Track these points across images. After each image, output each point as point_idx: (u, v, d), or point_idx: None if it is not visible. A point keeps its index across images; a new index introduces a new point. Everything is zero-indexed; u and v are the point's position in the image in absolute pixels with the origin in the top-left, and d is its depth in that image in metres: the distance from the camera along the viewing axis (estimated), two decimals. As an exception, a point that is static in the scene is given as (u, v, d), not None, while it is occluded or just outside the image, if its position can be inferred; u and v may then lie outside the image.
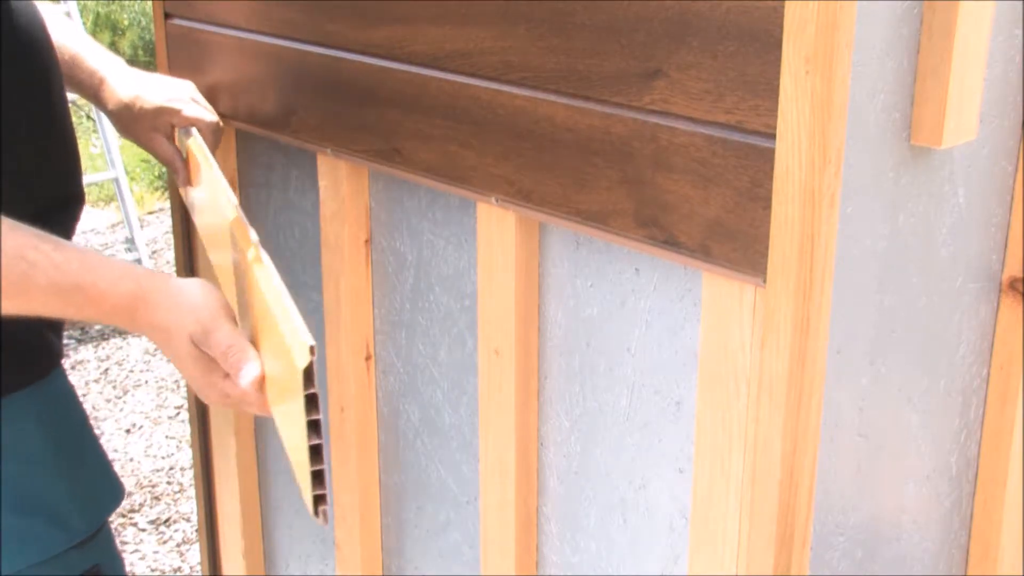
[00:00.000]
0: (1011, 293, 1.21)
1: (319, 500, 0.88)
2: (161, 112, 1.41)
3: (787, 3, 0.91)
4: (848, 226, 1.00)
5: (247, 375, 1.03)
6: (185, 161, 1.43)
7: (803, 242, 0.95)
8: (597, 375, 1.20)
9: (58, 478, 1.19)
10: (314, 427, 0.83)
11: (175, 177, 1.46)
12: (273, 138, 1.46)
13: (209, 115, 1.45)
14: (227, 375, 1.06)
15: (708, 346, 1.05)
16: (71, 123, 1.26)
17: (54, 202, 1.21)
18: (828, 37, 0.90)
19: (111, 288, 1.06)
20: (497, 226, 1.21)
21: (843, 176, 0.96)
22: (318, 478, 0.86)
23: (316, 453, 0.85)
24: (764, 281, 0.98)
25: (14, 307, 1.03)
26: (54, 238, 1.05)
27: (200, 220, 1.38)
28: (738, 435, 1.05)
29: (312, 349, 0.84)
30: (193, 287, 1.09)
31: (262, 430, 1.71)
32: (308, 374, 0.83)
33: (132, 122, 1.42)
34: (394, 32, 1.25)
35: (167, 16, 1.56)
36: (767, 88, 0.94)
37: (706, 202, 1.01)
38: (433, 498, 1.44)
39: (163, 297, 1.08)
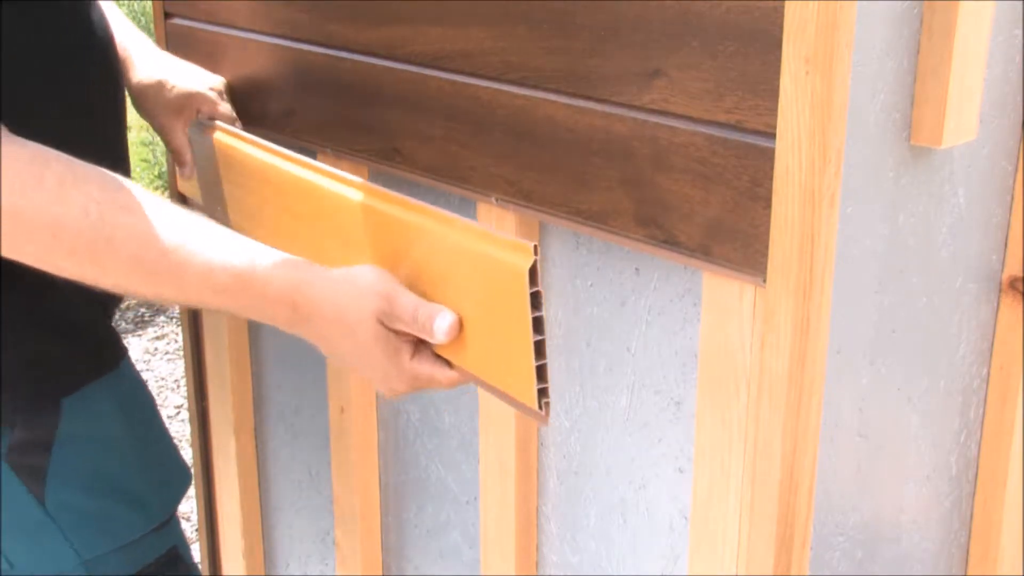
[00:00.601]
0: (1011, 293, 1.21)
1: (542, 393, 0.91)
2: (192, 98, 1.40)
3: (787, 3, 0.91)
4: (848, 226, 1.00)
5: (442, 323, 0.98)
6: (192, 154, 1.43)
7: (803, 242, 0.95)
8: (597, 375, 1.20)
9: (137, 464, 1.21)
10: (537, 324, 0.88)
11: (179, 169, 1.46)
12: (273, 138, 1.46)
13: (232, 113, 1.46)
14: (414, 354, 1.02)
15: (708, 346, 1.05)
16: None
17: None
18: (828, 37, 0.90)
19: (272, 273, 0.99)
20: (497, 226, 1.21)
21: (843, 176, 0.96)
22: (541, 373, 0.90)
23: (539, 348, 0.89)
24: (764, 281, 0.98)
25: (170, 291, 0.98)
26: (205, 221, 1.00)
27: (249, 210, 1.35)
28: (738, 435, 1.05)
29: (536, 248, 0.88)
30: (362, 269, 1.03)
31: (262, 430, 1.71)
32: (533, 272, 0.87)
33: (154, 103, 1.41)
34: (394, 32, 1.25)
35: (167, 16, 1.56)
36: (767, 88, 0.94)
37: (706, 202, 1.01)
38: (433, 498, 1.44)
39: (332, 283, 1.01)
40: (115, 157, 1.19)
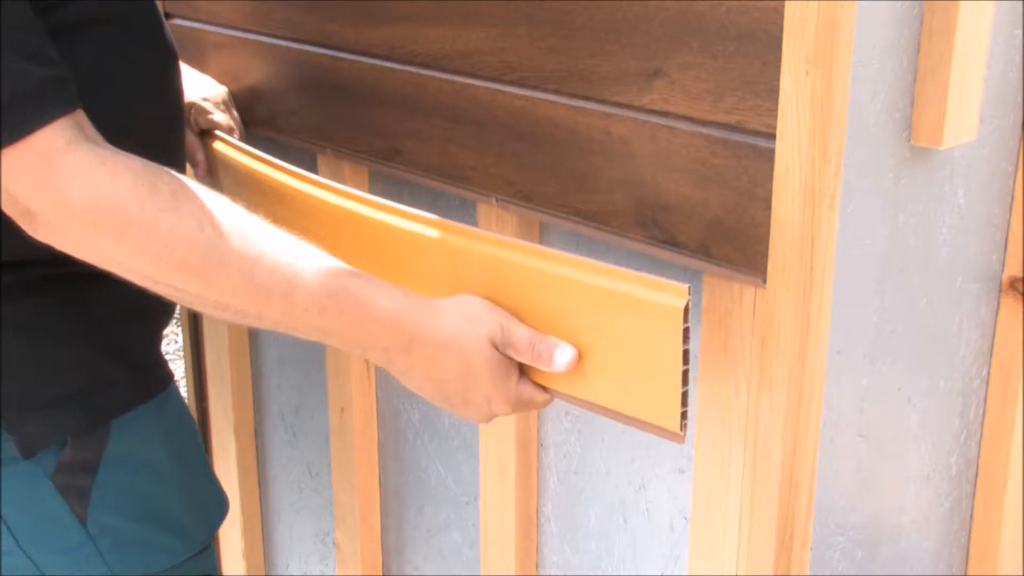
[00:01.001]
0: (1011, 293, 1.21)
1: (683, 416, 0.98)
2: (190, 108, 1.42)
3: (787, 3, 0.91)
4: (848, 226, 1.00)
5: (563, 356, 1.01)
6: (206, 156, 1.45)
7: (803, 242, 0.95)
8: (597, 375, 1.20)
9: (178, 489, 1.22)
10: (685, 356, 0.96)
11: (193, 169, 1.47)
12: (273, 138, 1.46)
13: (232, 124, 1.46)
14: (521, 377, 1.05)
15: (708, 346, 1.05)
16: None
17: None
18: (828, 37, 0.90)
19: (380, 294, 0.99)
20: (497, 226, 1.21)
21: (843, 176, 0.96)
22: (684, 399, 0.98)
23: (685, 377, 0.97)
24: (764, 281, 0.98)
25: (275, 310, 0.97)
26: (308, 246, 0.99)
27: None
28: (738, 435, 1.05)
29: (689, 290, 0.95)
30: (469, 298, 1.05)
31: (262, 430, 1.71)
32: (686, 311, 0.94)
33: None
34: (394, 32, 1.25)
35: (167, 16, 1.56)
36: (767, 88, 0.94)
37: (706, 202, 1.01)
38: (433, 498, 1.44)
39: (444, 309, 1.02)
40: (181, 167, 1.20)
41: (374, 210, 1.17)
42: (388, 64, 1.27)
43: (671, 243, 1.05)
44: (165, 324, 1.23)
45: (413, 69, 1.24)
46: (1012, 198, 1.18)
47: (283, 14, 1.37)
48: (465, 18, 1.17)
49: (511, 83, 1.14)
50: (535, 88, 1.12)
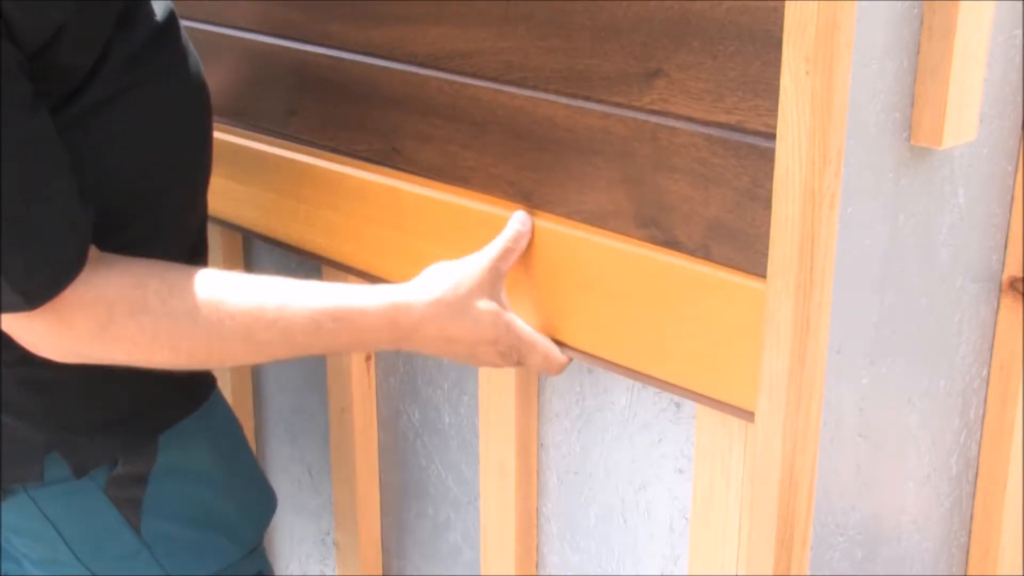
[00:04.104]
0: (1011, 293, 1.21)
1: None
2: None
3: (787, 3, 0.91)
4: (848, 226, 1.00)
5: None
6: None
7: (803, 242, 0.95)
8: (597, 375, 1.20)
9: (228, 492, 1.25)
10: None
11: None
12: (273, 136, 1.46)
13: None
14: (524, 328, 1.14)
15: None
16: None
17: (199, 242, 1.24)
18: (828, 37, 0.90)
19: (366, 300, 1.08)
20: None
21: (843, 176, 0.96)
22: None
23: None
24: (764, 281, 0.98)
25: (282, 352, 1.09)
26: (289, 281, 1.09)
27: None
28: (738, 435, 1.05)
29: None
30: (444, 267, 1.13)
31: (262, 430, 1.71)
32: None
33: None
34: (394, 32, 1.25)
35: (167, 16, 1.56)
36: (767, 88, 0.94)
37: (706, 202, 1.01)
38: (433, 498, 1.44)
39: (422, 280, 1.12)
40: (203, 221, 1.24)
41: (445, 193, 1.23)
42: (388, 64, 1.27)
43: (671, 243, 1.05)
44: None
45: (413, 69, 1.24)
46: (1012, 198, 1.18)
47: (283, 14, 1.37)
48: (465, 18, 1.17)
49: (511, 83, 1.14)
50: (535, 88, 1.12)
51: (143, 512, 1.18)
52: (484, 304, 1.11)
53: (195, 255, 1.21)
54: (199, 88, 1.17)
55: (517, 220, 1.14)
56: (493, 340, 1.11)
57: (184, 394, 1.21)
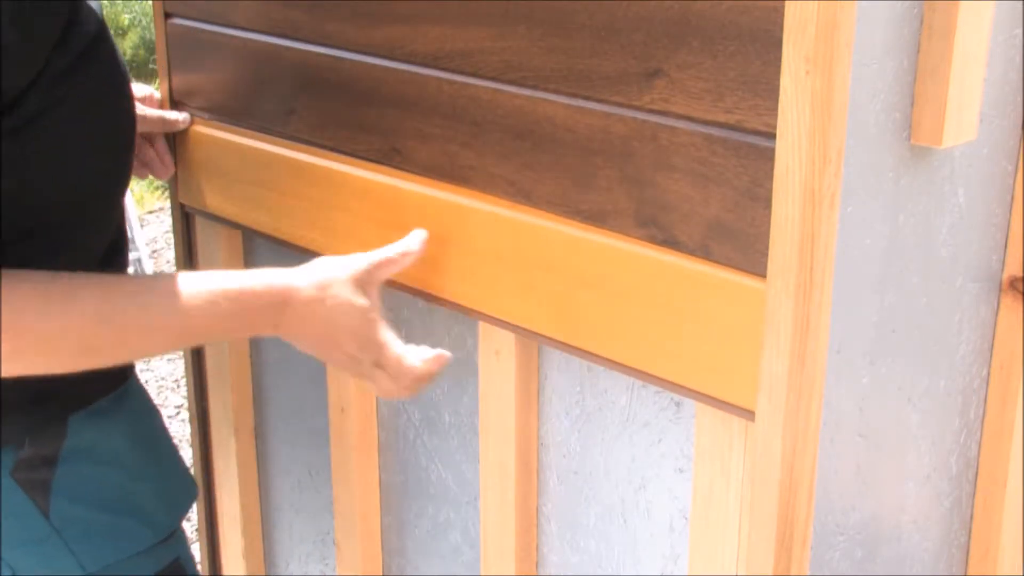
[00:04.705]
0: (1011, 293, 1.21)
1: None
2: (138, 99, 1.48)
3: (787, 3, 0.91)
4: (848, 226, 1.00)
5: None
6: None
7: (803, 242, 0.95)
8: (597, 375, 1.20)
9: (142, 478, 1.24)
10: None
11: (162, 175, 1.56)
12: (273, 135, 1.46)
13: (161, 117, 1.54)
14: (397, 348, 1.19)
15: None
16: None
17: (117, 244, 1.25)
18: (828, 37, 0.90)
19: (254, 283, 1.13)
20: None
21: (843, 176, 0.96)
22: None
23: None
24: (764, 281, 0.98)
25: (186, 340, 1.15)
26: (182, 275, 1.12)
27: None
28: (738, 435, 1.05)
29: None
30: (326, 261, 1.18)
31: (262, 430, 1.71)
32: None
33: None
34: (394, 32, 1.25)
35: (167, 16, 1.56)
36: (767, 88, 0.94)
37: (706, 202, 1.01)
38: (433, 498, 1.44)
39: (299, 272, 1.16)
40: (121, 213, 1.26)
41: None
42: (388, 64, 1.27)
43: (671, 243, 1.05)
44: None
45: (413, 69, 1.24)
46: (1012, 198, 1.18)
47: (283, 14, 1.37)
48: (465, 18, 1.17)
49: (511, 83, 1.14)
50: (535, 88, 1.12)
51: (52, 495, 1.16)
52: (359, 297, 1.17)
53: (114, 251, 1.23)
54: (125, 98, 1.19)
55: (414, 238, 1.24)
56: (353, 333, 1.16)
57: (96, 376, 1.18)
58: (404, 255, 1.23)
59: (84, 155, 1.13)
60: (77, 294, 1.05)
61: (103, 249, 1.20)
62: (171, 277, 1.11)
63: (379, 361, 1.17)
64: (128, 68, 1.21)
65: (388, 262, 1.21)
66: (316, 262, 1.19)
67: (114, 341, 1.07)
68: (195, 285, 1.10)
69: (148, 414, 1.29)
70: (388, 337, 1.17)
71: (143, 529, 1.23)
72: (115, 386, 1.22)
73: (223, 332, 1.18)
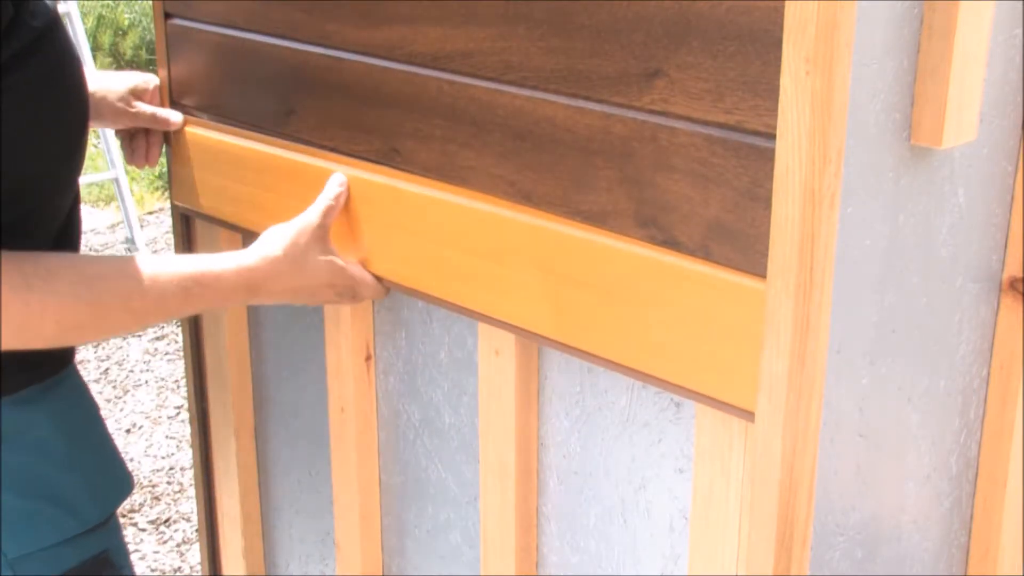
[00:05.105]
0: (1011, 293, 1.21)
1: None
2: (132, 91, 1.53)
3: (787, 3, 0.91)
4: (848, 226, 1.00)
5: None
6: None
7: (803, 242, 0.95)
8: (597, 375, 1.20)
9: (69, 468, 1.25)
10: None
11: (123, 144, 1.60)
12: (273, 136, 1.46)
13: (145, 112, 1.55)
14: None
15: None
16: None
17: (68, 228, 1.27)
18: (828, 37, 0.90)
19: (222, 264, 1.24)
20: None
21: (843, 176, 0.96)
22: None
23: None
24: (764, 281, 0.98)
25: (158, 318, 1.21)
26: (155, 258, 1.20)
27: None
28: (738, 435, 1.05)
29: None
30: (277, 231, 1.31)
31: (262, 430, 1.71)
32: None
33: (99, 106, 1.51)
34: (394, 32, 1.25)
35: (167, 16, 1.56)
36: (767, 88, 0.94)
37: (706, 202, 1.01)
38: (433, 498, 1.44)
39: (257, 251, 1.27)
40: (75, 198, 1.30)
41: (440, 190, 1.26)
42: (388, 64, 1.27)
43: (671, 243, 1.05)
44: None
45: (413, 69, 1.24)
46: (1012, 198, 1.18)
47: (283, 14, 1.37)
48: (465, 18, 1.17)
49: (511, 83, 1.14)
50: (535, 88, 1.12)
51: None
52: (318, 255, 1.31)
53: (65, 235, 1.25)
54: (75, 88, 1.22)
55: (335, 181, 1.34)
56: (330, 283, 1.32)
57: (25, 364, 1.21)
58: (339, 196, 1.33)
59: (33, 141, 1.15)
60: (56, 273, 1.10)
61: (54, 234, 1.23)
62: (146, 259, 1.18)
63: (355, 291, 1.34)
64: (83, 59, 1.24)
65: (330, 209, 1.32)
66: (270, 235, 1.30)
67: (91, 320, 1.14)
68: (166, 268, 1.18)
69: (80, 406, 1.30)
70: (355, 271, 1.33)
71: (67, 518, 1.23)
72: (50, 374, 1.24)
73: (196, 310, 1.28)
